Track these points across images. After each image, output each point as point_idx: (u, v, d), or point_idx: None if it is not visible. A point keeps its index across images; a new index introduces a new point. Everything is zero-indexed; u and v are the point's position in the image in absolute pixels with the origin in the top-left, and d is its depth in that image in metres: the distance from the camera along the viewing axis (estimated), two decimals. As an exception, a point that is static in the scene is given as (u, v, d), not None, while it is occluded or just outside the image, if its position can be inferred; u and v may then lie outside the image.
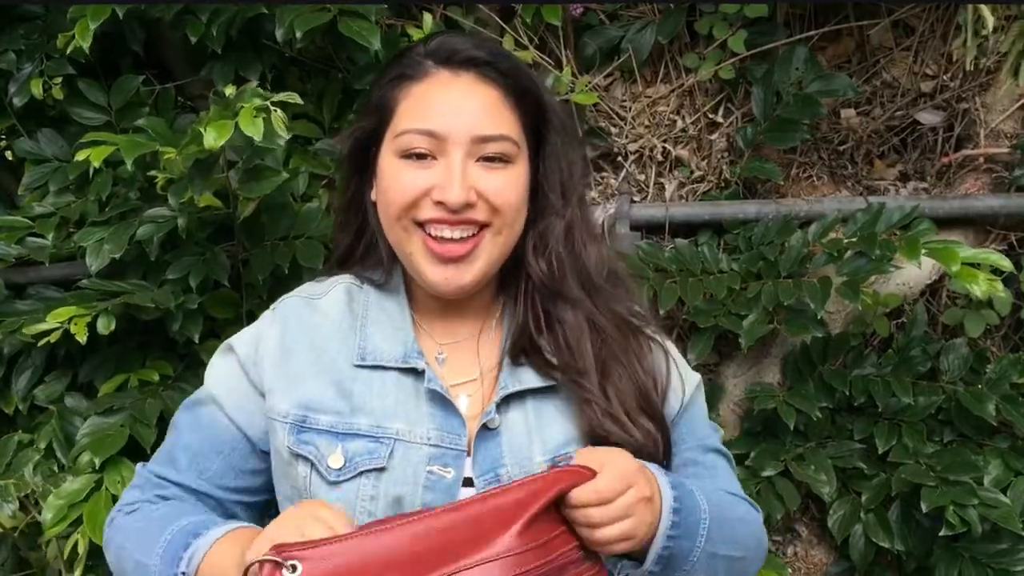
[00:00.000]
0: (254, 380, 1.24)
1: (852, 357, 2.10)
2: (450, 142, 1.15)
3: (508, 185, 1.18)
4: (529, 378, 1.21)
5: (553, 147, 1.24)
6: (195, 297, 1.88)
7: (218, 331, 1.99)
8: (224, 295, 1.95)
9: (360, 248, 1.31)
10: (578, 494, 1.03)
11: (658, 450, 1.20)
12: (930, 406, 2.00)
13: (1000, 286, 1.81)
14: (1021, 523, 1.86)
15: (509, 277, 1.27)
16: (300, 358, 1.22)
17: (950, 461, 1.93)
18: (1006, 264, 1.83)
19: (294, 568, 0.94)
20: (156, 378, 1.92)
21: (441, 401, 1.18)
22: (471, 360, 1.25)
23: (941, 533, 1.85)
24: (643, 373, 1.23)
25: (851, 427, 2.06)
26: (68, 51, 1.84)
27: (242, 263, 1.94)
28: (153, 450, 1.79)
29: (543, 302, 1.24)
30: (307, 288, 1.31)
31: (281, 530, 1.00)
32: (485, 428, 1.18)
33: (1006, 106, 2.12)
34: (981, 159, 2.13)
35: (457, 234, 1.17)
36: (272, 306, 1.30)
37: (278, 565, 0.94)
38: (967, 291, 1.82)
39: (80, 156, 1.72)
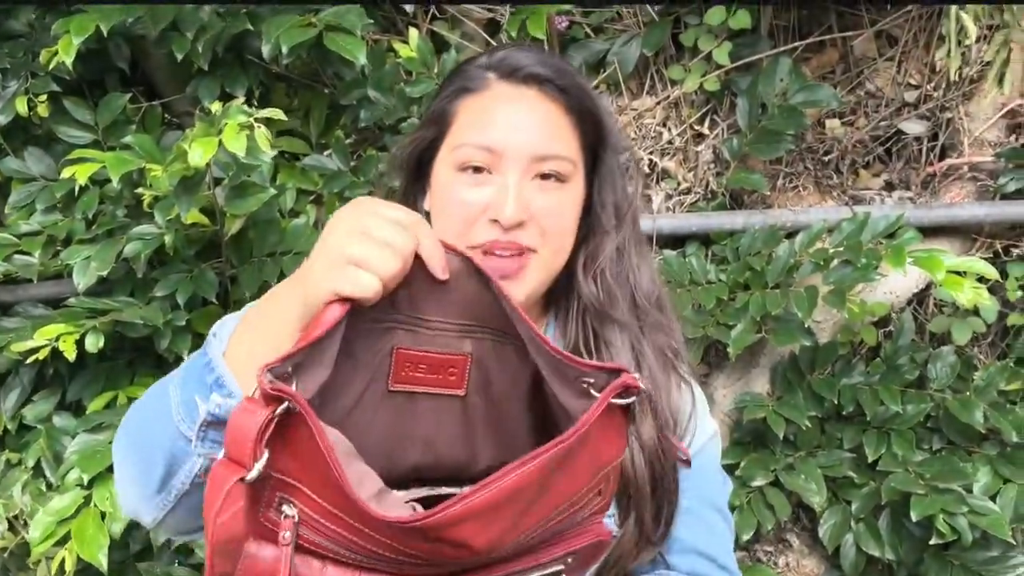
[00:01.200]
0: None
1: (840, 366, 2.11)
2: (507, 158, 1.12)
3: (561, 207, 1.15)
4: None
5: (609, 167, 1.21)
6: (183, 314, 1.87)
7: (206, 348, 1.99)
8: (212, 312, 1.94)
9: None
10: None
11: (662, 482, 1.16)
12: (919, 414, 2.01)
13: (985, 294, 1.82)
14: (1010, 530, 1.87)
15: (559, 293, 1.25)
16: None
17: (939, 469, 1.93)
18: (991, 272, 1.84)
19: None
20: (144, 395, 1.91)
21: None
22: None
23: (931, 541, 1.85)
24: (668, 410, 1.20)
25: (840, 436, 2.06)
26: (52, 67, 1.84)
27: (230, 280, 1.94)
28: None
29: (593, 322, 1.22)
30: None
31: (335, 278, 0.85)
32: None
33: (989, 115, 2.13)
34: (965, 168, 2.15)
35: (507, 253, 1.13)
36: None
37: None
38: (953, 299, 1.83)
39: (66, 173, 1.73)
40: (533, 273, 1.16)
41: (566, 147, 1.15)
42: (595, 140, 1.19)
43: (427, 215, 1.21)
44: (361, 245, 0.86)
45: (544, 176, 1.14)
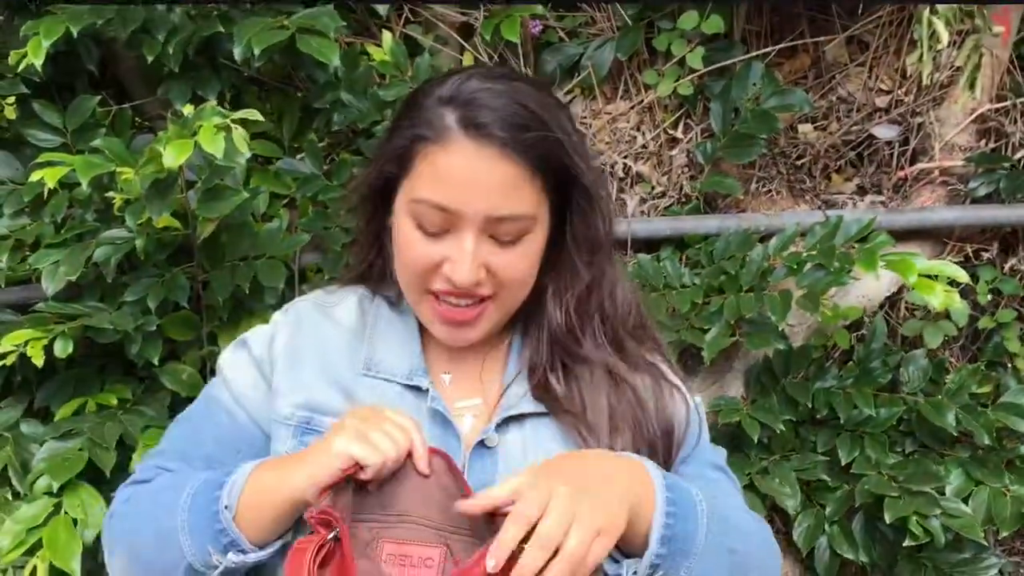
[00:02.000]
0: (267, 378, 1.23)
1: (814, 370, 2.12)
2: (464, 219, 1.10)
3: (518, 261, 1.15)
4: (532, 405, 1.20)
5: (579, 206, 1.18)
6: (154, 319, 1.85)
7: (178, 353, 1.97)
8: (184, 317, 1.92)
9: (376, 269, 1.29)
10: (501, 539, 0.94)
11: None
12: (891, 417, 2.02)
13: (956, 297, 1.83)
14: (983, 532, 1.89)
15: (526, 312, 1.25)
16: (308, 362, 1.22)
17: (912, 471, 1.95)
18: (962, 276, 1.86)
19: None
20: (114, 402, 1.88)
21: (442, 420, 1.18)
22: (476, 384, 1.25)
23: (904, 543, 1.86)
24: (658, 424, 1.21)
25: (814, 439, 2.07)
26: (20, 69, 1.82)
27: (202, 284, 1.91)
28: (113, 473, 1.76)
29: (561, 351, 1.22)
30: (320, 295, 1.31)
31: (349, 442, 1.03)
32: (482, 445, 1.17)
33: (960, 119, 2.16)
34: (937, 172, 2.17)
35: (464, 302, 1.15)
36: (284, 308, 1.30)
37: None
38: (925, 302, 1.84)
39: (35, 177, 1.70)
40: (488, 319, 1.19)
41: (525, 205, 1.12)
42: (563, 182, 1.16)
43: (390, 229, 1.22)
44: (371, 430, 1.04)
45: (502, 240, 1.13)
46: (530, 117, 1.11)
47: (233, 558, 1.07)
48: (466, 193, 1.09)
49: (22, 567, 1.73)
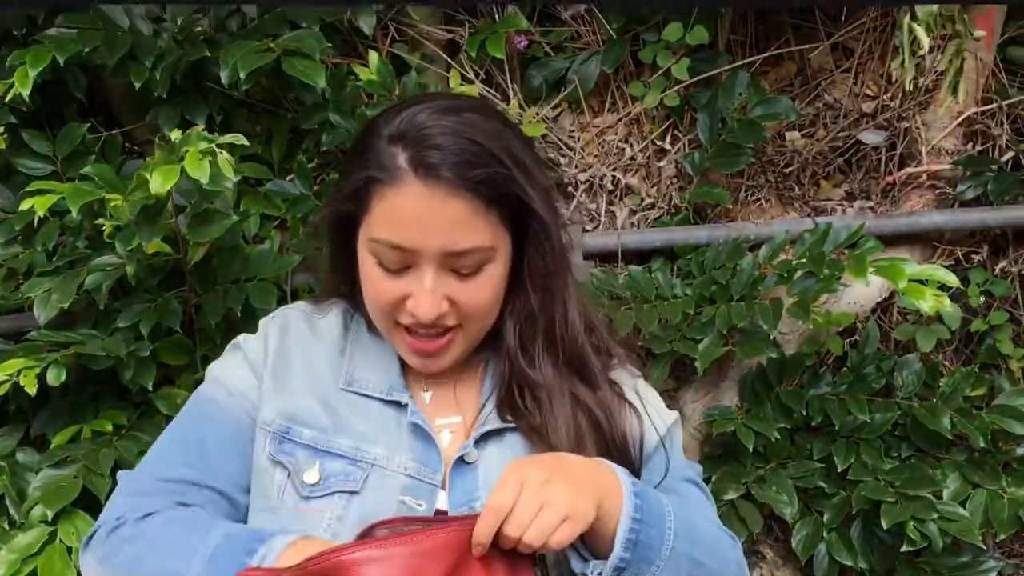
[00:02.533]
0: (260, 378, 1.25)
1: (807, 377, 2.12)
2: (421, 257, 1.12)
3: (480, 291, 1.17)
4: (502, 422, 1.23)
5: (534, 232, 1.20)
6: (147, 345, 1.85)
7: (172, 378, 1.97)
8: (177, 341, 1.92)
9: (353, 290, 1.29)
10: (479, 529, 1.01)
11: None
12: (886, 422, 2.02)
13: (947, 301, 1.83)
14: (981, 535, 1.89)
15: (495, 336, 1.27)
16: (293, 370, 1.24)
17: (908, 476, 1.95)
18: (952, 279, 1.86)
19: None
20: (109, 428, 1.88)
21: (422, 435, 1.20)
22: (453, 401, 1.27)
23: (903, 549, 1.86)
24: (618, 443, 1.23)
25: (810, 447, 2.07)
26: (8, 99, 1.83)
27: (194, 308, 1.92)
28: (108, 500, 1.77)
29: (519, 372, 1.24)
30: (306, 306, 1.34)
31: None
32: (462, 461, 1.19)
33: (946, 123, 2.16)
34: (924, 176, 2.17)
35: (432, 331, 1.18)
36: (271, 315, 1.32)
37: None
38: (915, 307, 1.85)
39: (25, 205, 1.70)
40: (457, 346, 1.21)
41: (481, 237, 1.14)
42: (518, 212, 1.17)
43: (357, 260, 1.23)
44: None
45: (462, 272, 1.15)
46: (479, 152, 1.12)
47: None
48: (421, 232, 1.11)
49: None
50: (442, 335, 1.19)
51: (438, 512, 1.16)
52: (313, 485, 1.16)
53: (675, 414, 1.35)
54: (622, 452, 1.23)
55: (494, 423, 1.22)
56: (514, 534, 1.00)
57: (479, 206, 1.12)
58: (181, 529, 1.13)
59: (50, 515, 1.73)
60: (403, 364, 1.27)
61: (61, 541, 1.74)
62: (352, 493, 1.15)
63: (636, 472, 1.23)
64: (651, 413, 1.30)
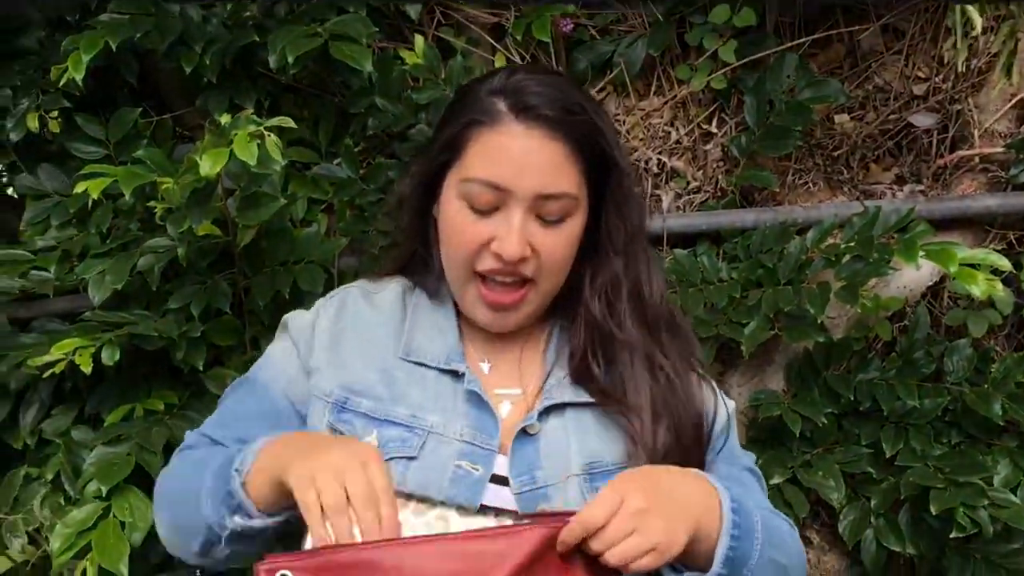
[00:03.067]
0: (304, 358, 1.30)
1: (855, 362, 2.10)
2: (514, 197, 1.18)
3: (561, 242, 1.22)
4: (573, 394, 1.26)
5: (615, 196, 1.26)
6: (198, 326, 1.88)
7: (222, 359, 2.00)
8: (226, 322, 1.95)
9: (419, 260, 1.36)
10: (565, 534, 1.04)
11: None
12: (936, 408, 2.00)
13: (999, 286, 1.81)
14: (1032, 522, 1.86)
15: (564, 302, 1.31)
16: (350, 343, 1.29)
17: (958, 463, 1.92)
18: (1004, 263, 1.83)
19: None
20: (161, 407, 1.92)
21: (478, 402, 1.23)
22: (514, 373, 1.30)
23: (952, 535, 1.84)
24: (690, 412, 1.27)
25: (858, 432, 2.05)
26: (62, 84, 1.86)
27: (243, 290, 1.94)
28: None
29: (600, 337, 1.27)
30: (364, 283, 1.39)
31: (324, 469, 1.04)
32: (524, 432, 1.22)
33: (999, 106, 2.12)
34: (977, 159, 2.13)
35: (509, 279, 1.22)
36: (330, 294, 1.38)
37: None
38: (967, 292, 1.82)
39: (79, 188, 1.73)
40: (530, 304, 1.25)
41: (570, 183, 1.20)
42: (602, 169, 1.24)
43: (435, 222, 1.29)
44: (338, 511, 1.03)
45: (547, 219, 1.20)
46: (574, 103, 1.20)
47: (239, 520, 1.14)
48: (517, 171, 1.17)
49: (72, 569, 1.77)
50: (518, 288, 1.22)
51: (495, 476, 1.19)
52: None
53: (733, 404, 1.38)
54: (695, 423, 1.26)
55: (559, 397, 1.25)
56: (599, 548, 1.03)
57: (572, 152, 1.19)
58: (204, 457, 1.24)
59: (104, 491, 1.77)
60: (463, 335, 1.30)
61: (115, 516, 1.77)
62: (410, 459, 1.19)
63: (705, 447, 1.27)
64: (719, 394, 1.34)
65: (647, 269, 1.30)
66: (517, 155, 1.17)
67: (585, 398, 1.25)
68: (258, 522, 1.14)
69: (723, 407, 1.33)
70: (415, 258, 1.37)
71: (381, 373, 1.25)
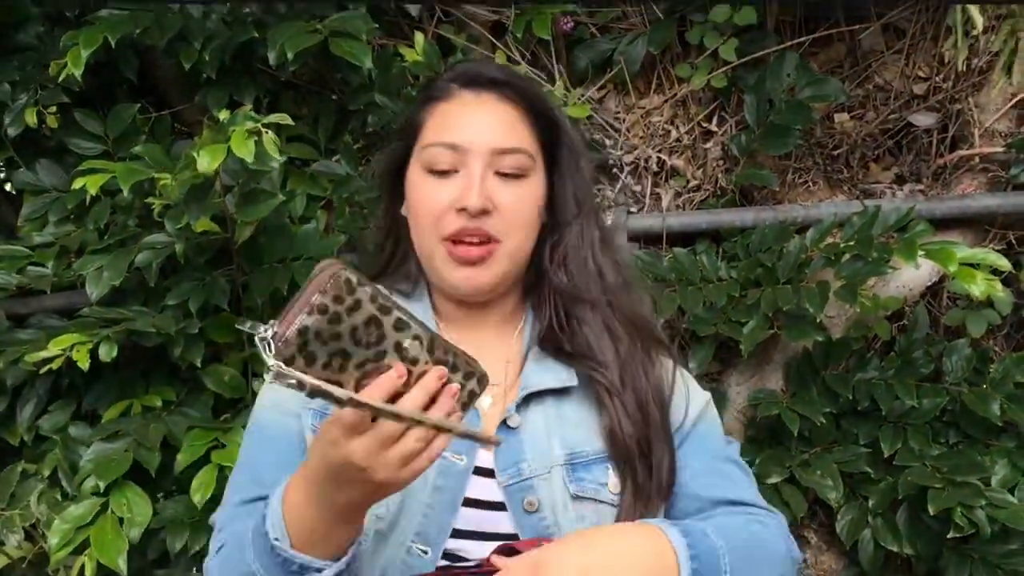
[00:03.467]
0: None
1: (854, 361, 2.09)
2: (471, 154, 1.24)
3: (522, 199, 1.27)
4: (550, 379, 1.27)
5: (567, 164, 1.33)
6: (195, 322, 1.88)
7: (220, 355, 2.00)
8: (224, 319, 1.95)
9: (394, 262, 1.39)
10: None
11: (650, 444, 1.25)
12: (934, 408, 1.99)
13: (999, 285, 1.81)
14: (1030, 523, 1.86)
15: (532, 288, 1.36)
16: None
17: (956, 462, 1.92)
18: (1004, 263, 1.83)
19: None
20: (159, 404, 1.92)
21: None
22: (492, 366, 1.27)
23: (949, 535, 1.84)
24: (649, 381, 1.29)
25: (856, 431, 2.05)
26: (61, 79, 1.86)
27: (241, 287, 1.94)
28: (158, 473, 1.81)
29: (565, 305, 1.32)
30: None
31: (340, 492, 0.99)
32: (505, 425, 1.23)
33: (999, 105, 2.12)
34: (977, 159, 2.13)
35: (475, 240, 1.25)
36: None
37: None
38: (966, 291, 1.82)
39: (77, 184, 1.74)
40: (499, 263, 1.27)
41: (523, 141, 1.28)
42: (551, 139, 1.32)
43: (404, 220, 1.33)
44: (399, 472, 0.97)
45: (505, 174, 1.26)
46: (520, 77, 1.35)
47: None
48: (472, 130, 1.26)
49: (69, 566, 1.77)
50: (485, 244, 1.25)
51: (479, 469, 1.21)
52: None
53: (707, 395, 1.39)
54: (657, 387, 1.29)
55: (535, 384, 1.26)
56: None
57: (521, 113, 1.29)
58: (243, 536, 1.13)
59: (102, 486, 1.77)
60: (439, 329, 1.30)
61: (112, 512, 1.78)
62: None
63: (666, 414, 1.29)
64: (687, 381, 1.36)
65: (598, 237, 1.34)
66: (470, 118, 1.27)
67: (560, 383, 1.27)
68: (331, 570, 1.05)
69: (681, 384, 1.33)
70: (390, 265, 1.39)
71: None
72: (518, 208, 1.26)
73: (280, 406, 1.27)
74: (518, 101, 1.29)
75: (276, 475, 1.20)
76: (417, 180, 1.28)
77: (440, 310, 1.34)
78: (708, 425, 1.35)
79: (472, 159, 1.24)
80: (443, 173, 1.25)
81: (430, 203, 1.26)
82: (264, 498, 1.17)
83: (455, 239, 1.24)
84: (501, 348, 1.32)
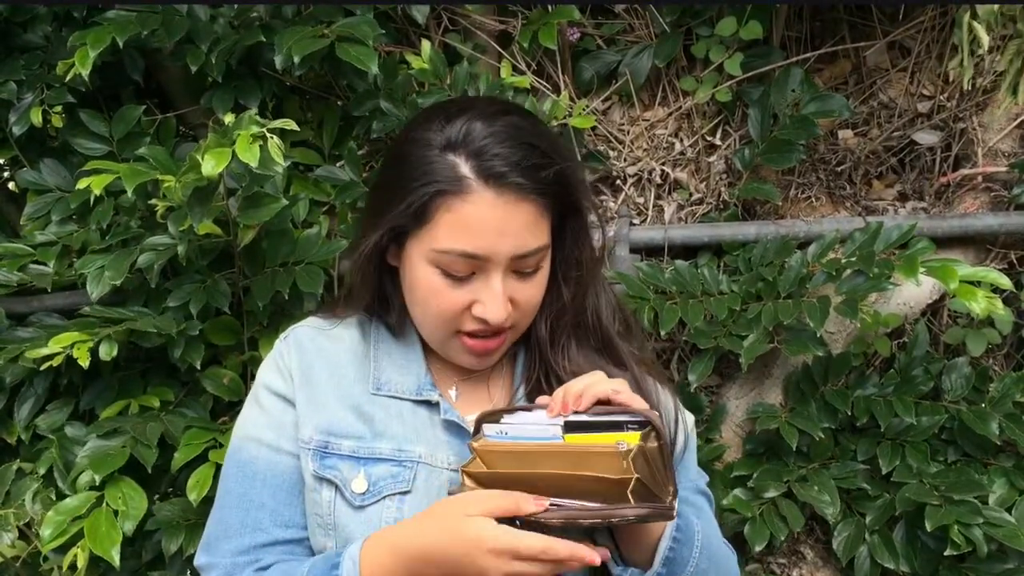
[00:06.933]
0: (292, 401, 1.25)
1: (854, 377, 2.09)
2: (491, 262, 1.15)
3: (536, 290, 1.22)
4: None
5: (574, 228, 1.25)
6: (196, 324, 1.88)
7: (219, 358, 2.00)
8: (225, 322, 1.95)
9: (376, 302, 1.30)
10: None
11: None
12: (933, 426, 1.99)
13: (999, 304, 1.81)
14: (1027, 542, 1.85)
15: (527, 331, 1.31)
16: (321, 383, 1.25)
17: (954, 480, 1.92)
18: (1005, 282, 1.83)
19: None
20: (157, 404, 1.92)
21: (457, 430, 1.23)
22: (483, 396, 1.30)
23: (946, 553, 1.84)
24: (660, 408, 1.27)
25: (854, 447, 2.05)
26: (68, 79, 1.86)
27: (243, 290, 1.94)
28: (155, 470, 1.81)
29: (549, 360, 1.28)
30: (315, 320, 1.33)
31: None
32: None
33: (1003, 125, 2.12)
34: (979, 178, 2.14)
35: (490, 332, 1.20)
36: (282, 335, 1.32)
37: None
38: (966, 309, 1.82)
39: (81, 184, 1.74)
40: (508, 342, 1.25)
41: (543, 235, 1.18)
42: (564, 209, 1.22)
43: (392, 271, 1.26)
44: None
45: (524, 272, 1.19)
46: (541, 156, 1.15)
47: None
48: (492, 239, 1.13)
49: (61, 566, 1.76)
50: (499, 334, 1.21)
51: None
52: (363, 493, 1.18)
53: (692, 417, 1.39)
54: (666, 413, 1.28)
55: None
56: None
57: (543, 207, 1.16)
58: None
59: (98, 480, 1.76)
60: (428, 364, 1.28)
61: (107, 504, 1.77)
62: (404, 493, 1.18)
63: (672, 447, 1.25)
64: (681, 410, 1.34)
65: (595, 296, 1.30)
66: (491, 224, 1.13)
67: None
68: None
69: (681, 415, 1.33)
70: (371, 305, 1.31)
71: (356, 410, 1.23)
72: (533, 299, 1.22)
73: (271, 444, 1.24)
74: (541, 195, 1.15)
75: (276, 521, 1.21)
76: (425, 271, 1.18)
77: (432, 362, 1.30)
78: (690, 454, 1.35)
79: (492, 267, 1.15)
80: (459, 278, 1.17)
81: (445, 304, 1.18)
82: (264, 544, 1.20)
83: (470, 335, 1.21)
84: (492, 381, 1.32)
